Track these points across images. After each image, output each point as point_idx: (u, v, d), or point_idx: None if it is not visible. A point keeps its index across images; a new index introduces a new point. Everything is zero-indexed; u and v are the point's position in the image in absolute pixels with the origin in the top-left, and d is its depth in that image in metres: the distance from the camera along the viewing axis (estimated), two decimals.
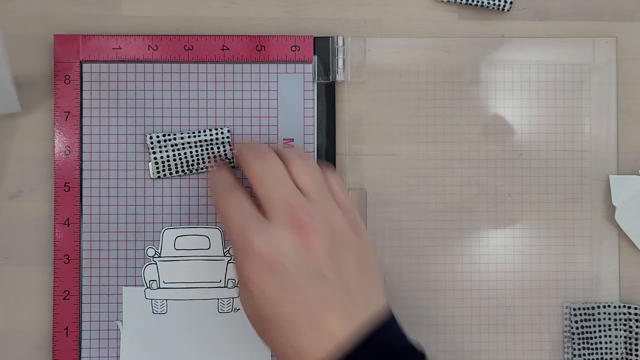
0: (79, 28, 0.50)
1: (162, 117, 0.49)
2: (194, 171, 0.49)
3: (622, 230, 0.50)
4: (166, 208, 0.49)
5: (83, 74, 0.49)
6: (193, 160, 0.49)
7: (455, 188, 0.50)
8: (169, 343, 0.49)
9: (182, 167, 0.49)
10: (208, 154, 0.49)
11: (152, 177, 0.49)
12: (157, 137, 0.48)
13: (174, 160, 0.49)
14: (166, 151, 0.48)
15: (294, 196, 0.41)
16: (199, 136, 0.48)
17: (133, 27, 0.50)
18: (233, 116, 0.50)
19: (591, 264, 0.50)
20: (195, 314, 0.49)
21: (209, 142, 0.48)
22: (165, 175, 0.49)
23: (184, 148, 0.48)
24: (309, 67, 0.50)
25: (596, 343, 0.49)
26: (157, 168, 0.49)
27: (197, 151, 0.49)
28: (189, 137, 0.48)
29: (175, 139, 0.48)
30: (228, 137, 0.49)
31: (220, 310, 0.49)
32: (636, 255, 0.50)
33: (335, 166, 0.50)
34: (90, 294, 0.49)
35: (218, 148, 0.49)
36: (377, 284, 0.42)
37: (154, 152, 0.48)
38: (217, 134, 0.49)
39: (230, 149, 0.49)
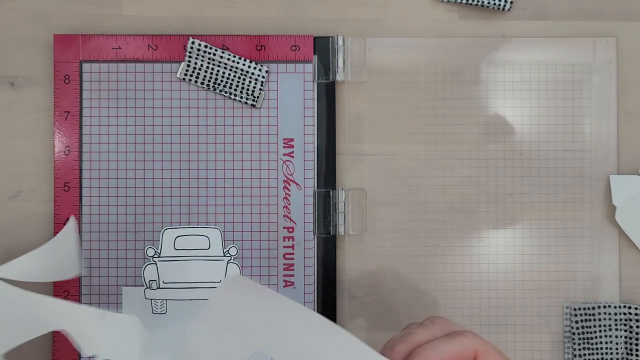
0: (78, 28, 0.50)
1: (162, 117, 0.49)
2: (217, 90, 0.49)
3: (622, 230, 0.50)
4: (166, 208, 0.49)
5: (83, 73, 0.49)
6: (221, 80, 0.49)
7: (456, 188, 0.50)
8: (169, 343, 0.49)
9: (208, 80, 0.49)
10: (238, 82, 0.49)
11: (178, 77, 0.49)
12: (200, 44, 0.49)
13: (205, 71, 0.49)
14: (202, 60, 0.49)
15: None
16: (238, 63, 0.49)
17: (133, 27, 0.50)
18: (233, 116, 0.50)
19: (591, 264, 0.50)
20: (195, 314, 0.49)
21: (244, 72, 0.48)
22: (189, 80, 0.49)
23: (219, 65, 0.48)
24: (309, 67, 0.50)
25: (596, 343, 0.49)
26: (187, 71, 0.49)
27: (229, 74, 0.49)
28: (229, 58, 0.48)
29: (215, 52, 0.48)
30: (263, 77, 0.49)
31: None
32: (636, 256, 0.50)
33: (335, 166, 0.50)
34: (90, 294, 0.49)
35: (249, 82, 0.48)
36: None
37: (189, 56, 0.49)
38: (255, 67, 0.49)
39: (260, 88, 0.48)
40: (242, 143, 0.50)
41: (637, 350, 0.49)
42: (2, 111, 0.50)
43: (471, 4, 0.50)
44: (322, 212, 0.49)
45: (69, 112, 0.49)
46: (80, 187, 0.49)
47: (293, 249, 0.49)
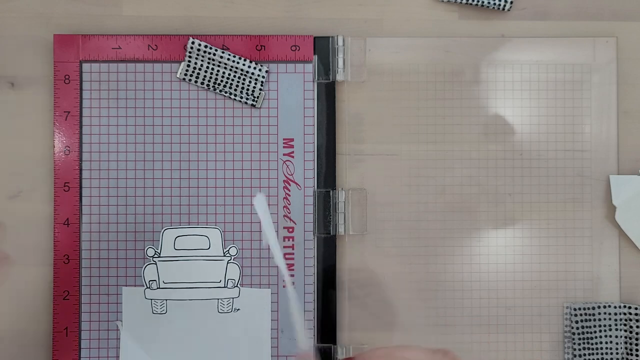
0: (78, 28, 0.50)
1: (162, 117, 0.49)
2: (217, 90, 0.49)
3: (622, 230, 0.50)
4: (166, 208, 0.49)
5: (83, 73, 0.49)
6: (221, 80, 0.49)
7: (455, 188, 0.50)
8: (169, 343, 0.49)
9: (208, 80, 0.49)
10: (238, 82, 0.49)
11: (178, 77, 0.49)
12: (200, 44, 0.49)
13: (205, 71, 0.49)
14: (202, 60, 0.49)
15: None
16: (238, 63, 0.49)
17: (133, 27, 0.50)
18: (233, 116, 0.50)
19: (591, 264, 0.50)
20: (195, 314, 0.49)
21: (244, 72, 0.48)
22: (190, 80, 0.49)
23: (219, 65, 0.48)
24: (309, 67, 0.50)
25: (596, 343, 0.49)
26: (187, 71, 0.49)
27: (229, 74, 0.49)
28: (229, 58, 0.48)
29: (215, 52, 0.48)
30: (263, 77, 0.49)
31: (220, 310, 0.49)
32: (636, 256, 0.50)
33: (335, 166, 0.50)
34: (90, 294, 0.49)
35: (249, 82, 0.48)
36: None
37: (189, 56, 0.49)
38: (255, 67, 0.49)
39: (260, 88, 0.48)
40: (242, 143, 0.50)
41: (637, 350, 0.49)
42: (2, 111, 0.50)
43: (471, 4, 0.50)
44: (322, 212, 0.49)
45: (69, 112, 0.49)
46: (80, 187, 0.49)
47: (293, 249, 0.49)
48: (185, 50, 0.49)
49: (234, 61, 0.49)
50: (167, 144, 0.49)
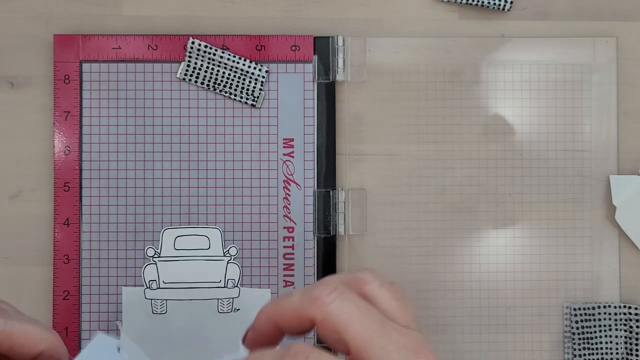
0: (78, 28, 0.50)
1: (162, 117, 0.49)
2: (217, 90, 0.49)
3: (622, 230, 0.50)
4: (166, 208, 0.49)
5: (83, 73, 0.49)
6: (221, 80, 0.49)
7: (455, 188, 0.50)
8: (168, 343, 0.49)
9: (208, 80, 0.49)
10: (238, 82, 0.49)
11: (178, 77, 0.49)
12: (199, 44, 0.49)
13: (205, 71, 0.49)
14: (202, 60, 0.49)
15: None
16: (238, 63, 0.49)
17: (133, 26, 0.50)
18: (233, 116, 0.50)
19: (591, 264, 0.50)
20: (195, 314, 0.49)
21: (244, 72, 0.48)
22: (190, 80, 0.49)
23: (219, 65, 0.48)
24: (309, 67, 0.50)
25: (596, 343, 0.49)
26: (187, 71, 0.49)
27: (229, 74, 0.49)
28: (229, 58, 0.48)
29: (215, 52, 0.48)
30: (263, 77, 0.49)
31: (220, 310, 0.49)
32: (636, 256, 0.50)
33: (335, 166, 0.50)
34: (90, 294, 0.49)
35: (249, 82, 0.48)
36: None
37: (189, 56, 0.49)
38: (254, 67, 0.49)
39: (260, 88, 0.48)
40: (242, 143, 0.50)
41: (637, 350, 0.49)
42: (2, 111, 0.50)
43: (471, 4, 0.50)
44: (322, 212, 0.49)
45: (69, 112, 0.49)
46: (80, 187, 0.49)
47: (293, 249, 0.49)
48: (185, 50, 0.49)
49: (234, 61, 0.49)
50: (167, 144, 0.49)
